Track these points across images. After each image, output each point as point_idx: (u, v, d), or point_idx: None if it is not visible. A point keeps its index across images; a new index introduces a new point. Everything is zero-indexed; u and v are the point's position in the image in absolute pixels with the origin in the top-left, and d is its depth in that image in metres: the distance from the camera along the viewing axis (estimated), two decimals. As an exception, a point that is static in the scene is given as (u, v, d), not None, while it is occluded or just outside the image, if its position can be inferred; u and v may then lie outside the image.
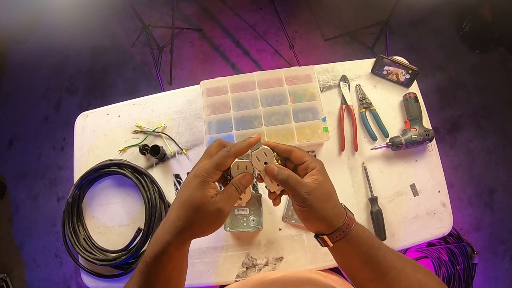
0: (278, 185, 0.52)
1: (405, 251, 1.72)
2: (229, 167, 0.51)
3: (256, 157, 0.50)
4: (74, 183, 0.98)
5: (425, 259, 1.84)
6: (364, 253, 0.48)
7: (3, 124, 2.32)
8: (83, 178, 0.97)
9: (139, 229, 0.91)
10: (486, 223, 1.90)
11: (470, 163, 2.01)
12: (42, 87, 2.37)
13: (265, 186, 0.54)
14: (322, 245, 0.50)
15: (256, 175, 0.54)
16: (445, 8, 2.27)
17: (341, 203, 0.52)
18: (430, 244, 1.83)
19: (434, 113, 2.07)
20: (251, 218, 0.87)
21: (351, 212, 0.51)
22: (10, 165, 2.21)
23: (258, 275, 0.84)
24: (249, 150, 0.51)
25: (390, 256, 0.49)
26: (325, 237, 0.48)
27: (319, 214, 0.47)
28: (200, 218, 0.47)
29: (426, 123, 0.98)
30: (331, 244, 0.48)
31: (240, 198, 0.52)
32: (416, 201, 0.93)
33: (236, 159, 0.51)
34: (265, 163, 0.51)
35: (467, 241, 1.82)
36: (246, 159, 0.51)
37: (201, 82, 0.98)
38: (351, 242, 0.48)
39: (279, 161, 0.53)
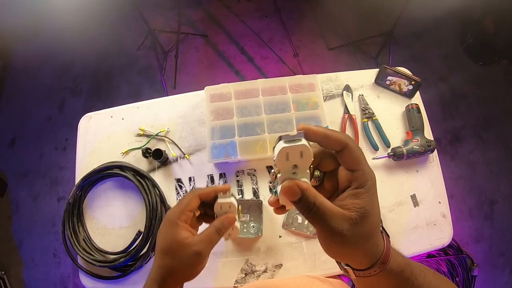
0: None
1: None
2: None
3: (287, 153, 0.35)
4: (75, 183, 0.99)
5: (424, 270, 1.82)
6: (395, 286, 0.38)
7: (6, 122, 2.33)
8: (85, 179, 0.98)
9: (139, 232, 0.91)
10: (486, 235, 1.89)
11: (471, 175, 2.01)
12: (46, 87, 2.38)
13: (274, 192, 0.40)
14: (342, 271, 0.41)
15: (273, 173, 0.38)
16: (449, 20, 2.28)
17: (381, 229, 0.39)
18: (429, 255, 1.82)
19: (435, 124, 2.06)
20: (251, 224, 0.88)
21: (388, 237, 0.42)
22: (11, 164, 2.22)
23: (257, 281, 0.84)
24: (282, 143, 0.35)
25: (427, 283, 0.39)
26: (349, 269, 0.39)
27: (352, 254, 0.37)
28: (178, 264, 0.46)
29: (428, 134, 0.99)
30: (354, 277, 0.39)
31: (229, 234, 0.50)
32: (416, 212, 0.93)
33: (218, 199, 0.48)
34: (294, 166, 0.36)
35: (466, 253, 1.81)
36: (230, 198, 0.49)
37: (205, 88, 0.99)
38: (381, 277, 0.37)
39: (316, 171, 0.40)
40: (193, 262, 0.46)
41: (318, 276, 0.74)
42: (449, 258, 1.79)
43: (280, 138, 0.36)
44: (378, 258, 0.36)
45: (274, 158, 0.36)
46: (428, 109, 1.02)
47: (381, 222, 0.36)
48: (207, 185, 0.98)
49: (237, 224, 0.50)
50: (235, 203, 0.49)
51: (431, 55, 2.26)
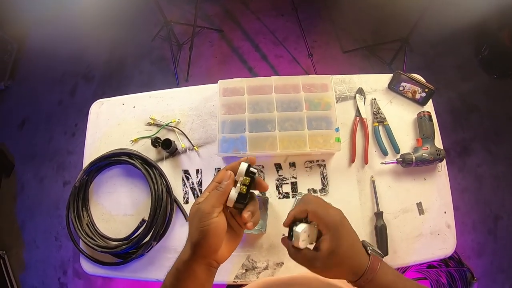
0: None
1: (404, 270, 1.70)
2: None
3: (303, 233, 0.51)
4: (83, 168, 1.00)
5: (423, 280, 1.81)
6: None
7: (17, 104, 2.36)
8: (93, 164, 0.99)
9: (143, 220, 0.92)
10: (488, 250, 1.87)
11: (477, 188, 1.98)
12: (59, 72, 2.40)
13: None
14: None
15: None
16: (466, 31, 2.25)
17: (369, 248, 0.51)
18: (430, 265, 1.80)
19: (445, 134, 2.03)
20: (256, 220, 0.88)
21: (382, 256, 0.52)
22: (20, 145, 2.25)
23: (266, 278, 0.85)
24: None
25: None
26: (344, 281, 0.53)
27: (334, 275, 0.50)
28: (195, 227, 0.51)
29: (438, 143, 0.98)
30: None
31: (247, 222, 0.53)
32: (421, 220, 0.93)
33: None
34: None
35: (467, 266, 1.79)
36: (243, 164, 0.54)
37: (218, 81, 0.99)
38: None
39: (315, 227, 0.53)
40: (200, 220, 0.50)
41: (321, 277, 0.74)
42: (450, 270, 1.77)
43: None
44: (361, 274, 0.48)
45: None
46: (438, 118, 1.01)
47: (369, 245, 0.52)
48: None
49: (233, 191, 0.52)
50: (244, 168, 0.53)
51: (445, 65, 2.24)
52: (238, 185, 0.53)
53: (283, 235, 0.56)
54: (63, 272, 1.94)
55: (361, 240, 0.53)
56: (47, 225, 2.03)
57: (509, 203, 1.95)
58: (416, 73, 1.06)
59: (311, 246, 0.52)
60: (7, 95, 2.39)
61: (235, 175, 0.54)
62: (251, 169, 0.53)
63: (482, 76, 2.21)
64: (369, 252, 0.50)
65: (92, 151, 1.05)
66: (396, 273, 0.50)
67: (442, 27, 2.15)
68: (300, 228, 0.50)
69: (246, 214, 0.52)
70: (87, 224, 0.96)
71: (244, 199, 0.52)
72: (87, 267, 0.95)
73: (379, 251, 0.52)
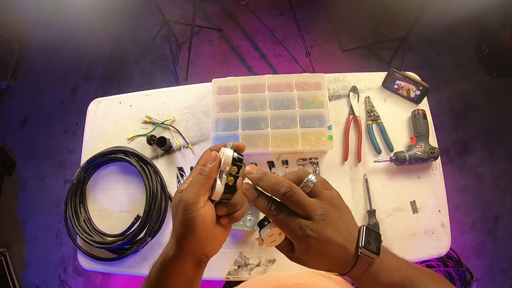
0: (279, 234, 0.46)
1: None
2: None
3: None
4: (80, 165, 1.01)
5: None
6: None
7: (19, 103, 2.39)
8: (90, 161, 1.00)
9: (137, 216, 0.93)
10: (488, 250, 1.86)
11: (477, 188, 1.98)
12: (61, 71, 2.43)
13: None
14: None
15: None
16: (465, 29, 2.25)
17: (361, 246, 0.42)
18: (428, 265, 1.80)
19: (445, 133, 2.05)
20: (248, 217, 0.88)
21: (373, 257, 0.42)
22: (21, 144, 2.27)
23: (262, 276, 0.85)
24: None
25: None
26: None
27: (318, 268, 0.44)
28: (179, 221, 0.44)
29: (433, 141, 0.98)
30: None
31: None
32: (415, 219, 0.93)
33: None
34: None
35: (466, 266, 1.79)
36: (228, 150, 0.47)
37: (212, 80, 1.00)
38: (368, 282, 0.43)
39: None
40: (182, 212, 0.43)
41: (322, 273, 0.74)
42: (448, 270, 1.77)
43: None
44: (348, 270, 0.42)
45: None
46: (438, 118, 1.01)
47: (362, 242, 0.42)
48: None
49: (219, 183, 0.45)
50: (229, 156, 0.46)
51: (445, 63, 2.23)
52: (224, 176, 0.46)
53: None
54: (63, 269, 1.97)
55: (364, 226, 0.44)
56: (48, 222, 2.05)
57: (509, 203, 1.94)
58: (415, 72, 1.06)
59: None
60: (9, 94, 2.41)
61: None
62: (237, 156, 0.46)
63: (482, 75, 2.20)
64: (359, 252, 0.42)
65: (89, 148, 1.07)
66: (402, 269, 0.44)
67: (442, 26, 2.15)
68: (265, 231, 0.46)
69: (220, 212, 0.47)
70: (84, 220, 0.98)
71: (232, 191, 0.46)
72: (84, 262, 0.97)
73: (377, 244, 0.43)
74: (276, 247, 0.47)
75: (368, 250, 0.41)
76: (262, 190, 0.44)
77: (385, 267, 0.43)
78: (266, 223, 0.46)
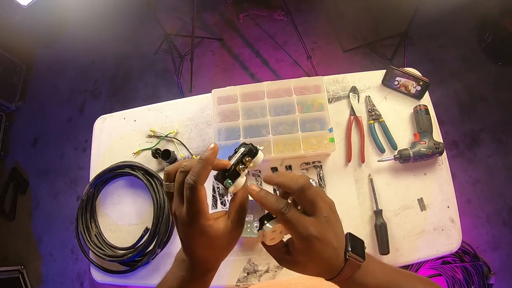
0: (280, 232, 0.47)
1: (417, 268, 1.67)
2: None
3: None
4: (89, 181, 1.03)
5: (439, 277, 1.77)
6: None
7: (29, 123, 2.45)
8: (98, 177, 1.02)
9: (146, 229, 0.94)
10: (504, 242, 1.82)
11: (489, 179, 1.93)
12: (68, 89, 2.49)
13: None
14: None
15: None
16: (467, 19, 2.22)
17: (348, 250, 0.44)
18: (444, 262, 1.76)
19: (453, 126, 2.02)
20: (255, 224, 0.89)
21: (361, 261, 0.44)
22: (33, 163, 2.33)
23: (267, 282, 0.85)
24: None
25: None
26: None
27: (310, 274, 0.45)
28: (190, 241, 0.45)
29: (437, 136, 0.97)
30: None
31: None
32: (423, 216, 0.92)
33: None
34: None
35: (483, 260, 1.75)
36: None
37: (212, 91, 1.01)
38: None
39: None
40: (184, 225, 0.44)
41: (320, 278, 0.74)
42: (465, 265, 1.73)
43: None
44: (335, 275, 0.43)
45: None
46: (445, 112, 1.01)
47: (349, 247, 0.43)
48: (212, 187, 1.00)
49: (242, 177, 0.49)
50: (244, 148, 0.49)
51: (448, 56, 2.20)
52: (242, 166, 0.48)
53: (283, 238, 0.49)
54: (80, 284, 2.00)
55: (351, 235, 0.46)
56: (63, 238, 2.09)
57: (524, 193, 1.90)
58: (418, 68, 1.05)
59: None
60: (19, 115, 2.48)
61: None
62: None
63: (487, 64, 2.16)
64: (347, 256, 0.43)
65: (97, 164, 1.09)
66: (388, 273, 0.46)
67: (442, 18, 2.13)
68: (268, 227, 0.46)
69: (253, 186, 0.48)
70: (95, 235, 1.00)
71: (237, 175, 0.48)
72: (97, 276, 0.99)
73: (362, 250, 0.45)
74: (271, 248, 0.48)
75: (355, 254, 0.43)
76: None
77: (370, 271, 0.44)
78: (266, 222, 0.47)
